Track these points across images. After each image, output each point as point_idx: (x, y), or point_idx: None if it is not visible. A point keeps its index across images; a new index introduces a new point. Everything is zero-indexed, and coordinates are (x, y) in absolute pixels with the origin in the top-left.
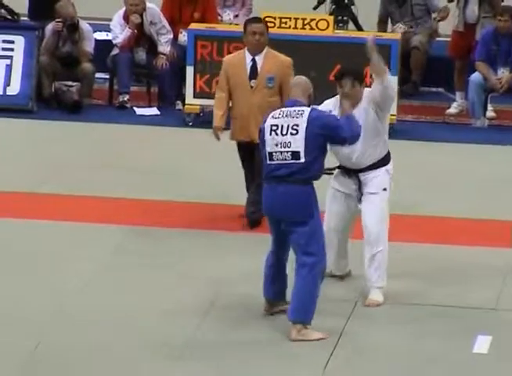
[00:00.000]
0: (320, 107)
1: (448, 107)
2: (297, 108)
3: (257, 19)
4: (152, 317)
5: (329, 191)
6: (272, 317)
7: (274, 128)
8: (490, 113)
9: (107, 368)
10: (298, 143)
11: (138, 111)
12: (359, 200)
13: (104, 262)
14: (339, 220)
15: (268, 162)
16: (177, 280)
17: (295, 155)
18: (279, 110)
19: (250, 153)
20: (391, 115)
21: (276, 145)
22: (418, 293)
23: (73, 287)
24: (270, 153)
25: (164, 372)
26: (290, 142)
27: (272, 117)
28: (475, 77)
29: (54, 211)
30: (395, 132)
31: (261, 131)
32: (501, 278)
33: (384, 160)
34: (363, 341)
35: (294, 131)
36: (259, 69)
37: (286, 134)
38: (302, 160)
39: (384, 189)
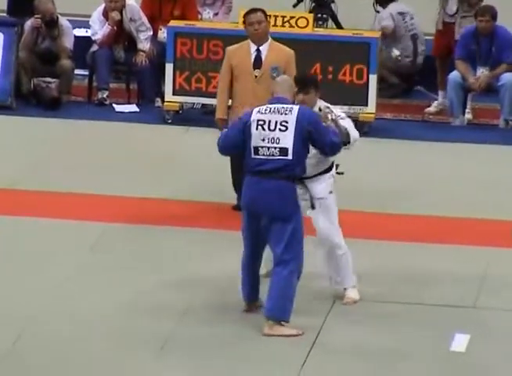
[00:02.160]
0: None
1: (428, 106)
2: (285, 105)
3: (253, 10)
4: (131, 315)
5: None
6: (250, 315)
7: (261, 123)
8: (467, 115)
9: (86, 366)
10: (287, 140)
11: (118, 108)
12: (312, 206)
13: (83, 258)
14: None
15: (253, 156)
16: (155, 277)
17: (283, 151)
18: (265, 106)
19: None
20: (370, 113)
21: (263, 140)
22: (396, 291)
23: (50, 285)
24: (256, 148)
25: (142, 370)
26: (278, 138)
27: (259, 112)
28: (454, 75)
29: (32, 208)
30: (374, 130)
31: (245, 124)
32: (480, 277)
33: (330, 168)
34: (340, 340)
35: (283, 128)
36: (263, 59)
37: (275, 130)
38: (290, 157)
39: (331, 192)
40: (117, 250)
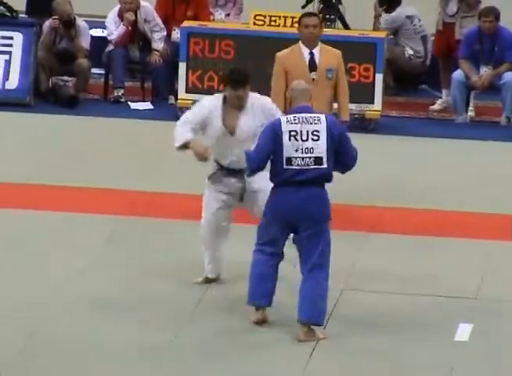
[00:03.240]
0: (198, 106)
1: (432, 104)
2: (312, 114)
3: (309, 14)
4: (142, 308)
5: (208, 193)
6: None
7: (293, 133)
8: (470, 112)
9: (103, 361)
10: (321, 149)
11: (133, 105)
12: (241, 198)
13: (97, 251)
14: (220, 219)
15: (286, 167)
16: (169, 270)
17: (318, 161)
18: (292, 116)
19: None
20: (376, 111)
21: (296, 150)
22: (400, 282)
23: (62, 278)
24: (288, 158)
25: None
26: (312, 147)
27: (288, 122)
28: (457, 74)
29: (50, 202)
30: (380, 127)
31: (275, 135)
32: (483, 268)
33: None
34: (344, 334)
35: (316, 137)
36: (317, 61)
37: (307, 139)
38: (325, 165)
39: (267, 182)
40: (131, 243)
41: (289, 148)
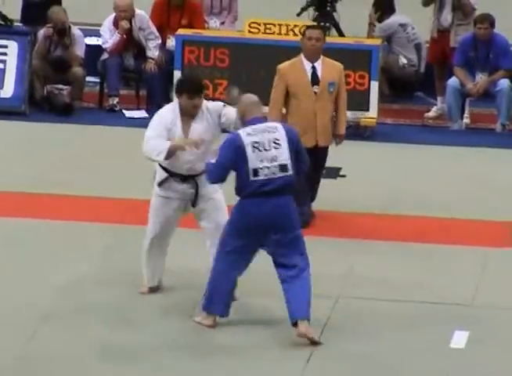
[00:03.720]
0: (158, 120)
1: (428, 111)
2: (267, 124)
3: (314, 26)
4: (143, 312)
5: (156, 200)
6: (252, 318)
7: (256, 145)
8: (465, 119)
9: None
10: (284, 156)
11: (128, 114)
12: (193, 204)
13: (95, 259)
14: (169, 227)
15: (253, 178)
16: (168, 277)
17: (283, 168)
18: (250, 128)
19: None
20: (372, 118)
21: (261, 161)
22: (396, 289)
23: (63, 284)
24: (255, 170)
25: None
26: (276, 156)
27: (248, 134)
28: (453, 81)
29: (45, 211)
30: (375, 134)
31: (237, 149)
32: (478, 275)
33: None
34: (341, 340)
35: (277, 146)
36: (320, 75)
37: (270, 149)
38: (290, 172)
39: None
40: (128, 250)
41: (253, 159)
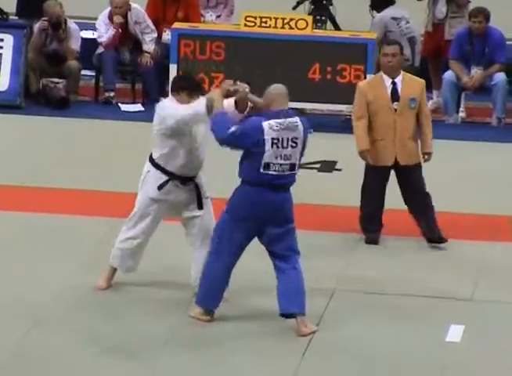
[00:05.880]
0: (171, 103)
1: None
2: (292, 120)
3: (391, 41)
4: (141, 309)
5: (147, 202)
6: (248, 312)
7: (275, 141)
8: (461, 113)
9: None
10: (296, 156)
11: (123, 107)
12: (200, 206)
13: (91, 252)
14: (154, 227)
15: (263, 171)
16: (163, 272)
17: (292, 167)
18: (274, 123)
19: (387, 176)
20: None
21: (276, 157)
22: (392, 283)
23: (60, 277)
24: (267, 164)
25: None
26: (290, 155)
27: (271, 129)
28: (448, 75)
29: (41, 204)
30: None
31: (258, 140)
32: (475, 269)
33: None
34: (337, 334)
35: (294, 144)
36: (400, 91)
37: (287, 147)
38: (296, 170)
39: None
40: None
41: (270, 155)
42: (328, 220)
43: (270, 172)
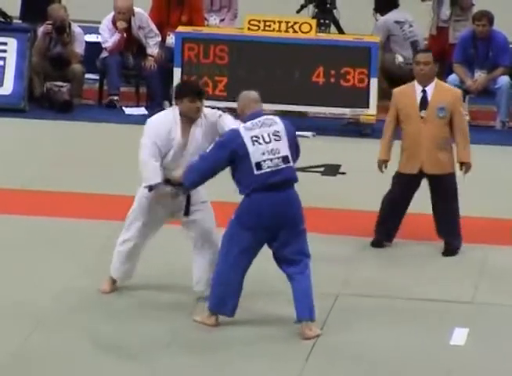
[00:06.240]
0: (155, 123)
1: None
2: (266, 117)
3: (423, 50)
4: (143, 312)
5: (143, 204)
6: (250, 316)
7: (255, 138)
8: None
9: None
10: (285, 148)
11: (127, 111)
12: (186, 213)
13: (95, 256)
14: (150, 230)
15: (257, 172)
16: (167, 275)
17: (285, 159)
18: (249, 123)
19: (412, 185)
20: (371, 115)
21: (263, 154)
22: (396, 286)
23: (62, 281)
24: (258, 163)
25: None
26: (277, 148)
27: (246, 129)
28: (452, 78)
29: (45, 208)
30: (375, 132)
31: (234, 145)
32: (479, 272)
33: None
34: (341, 337)
35: (278, 138)
36: (429, 100)
37: (270, 141)
38: (291, 163)
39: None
40: None
41: (255, 153)
42: (332, 223)
43: (264, 171)
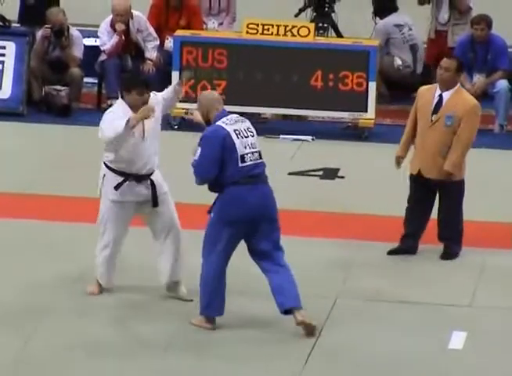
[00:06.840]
0: (110, 113)
1: None
2: (234, 115)
3: (449, 56)
4: (140, 316)
5: (110, 206)
6: (248, 316)
7: (237, 132)
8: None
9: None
10: (257, 144)
11: None
12: (155, 204)
13: (89, 259)
14: (125, 230)
15: (241, 164)
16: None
17: (260, 155)
18: (225, 119)
19: (417, 186)
20: (370, 119)
21: (245, 147)
22: (393, 289)
23: (63, 283)
24: (242, 156)
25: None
26: (253, 143)
27: (226, 124)
28: None
29: (43, 212)
30: (373, 135)
31: (223, 138)
32: (477, 276)
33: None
34: (340, 340)
35: (252, 134)
36: (443, 105)
37: (248, 136)
38: (263, 159)
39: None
40: (124, 250)
41: (240, 146)
42: (331, 227)
43: (247, 164)
